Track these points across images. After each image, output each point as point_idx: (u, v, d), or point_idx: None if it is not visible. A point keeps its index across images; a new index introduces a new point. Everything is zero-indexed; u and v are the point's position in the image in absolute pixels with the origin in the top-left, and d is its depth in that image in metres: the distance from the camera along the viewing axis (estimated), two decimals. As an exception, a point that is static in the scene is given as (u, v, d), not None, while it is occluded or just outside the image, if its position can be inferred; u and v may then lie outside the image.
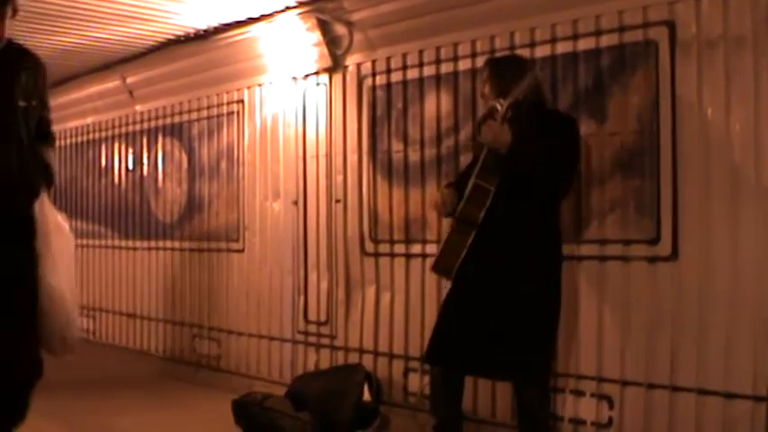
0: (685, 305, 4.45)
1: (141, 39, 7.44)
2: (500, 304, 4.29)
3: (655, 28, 4.60)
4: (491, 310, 4.29)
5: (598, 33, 4.86)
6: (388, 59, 6.09)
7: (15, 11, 3.90)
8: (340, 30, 6.28)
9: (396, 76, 6.06)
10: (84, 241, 9.57)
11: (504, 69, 4.57)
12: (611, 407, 4.77)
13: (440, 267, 4.57)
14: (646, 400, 4.60)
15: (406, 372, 5.89)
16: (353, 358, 6.26)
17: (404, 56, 5.98)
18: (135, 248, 8.81)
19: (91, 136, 9.59)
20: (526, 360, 4.34)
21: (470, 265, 4.36)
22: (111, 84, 8.72)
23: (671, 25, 4.52)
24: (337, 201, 6.43)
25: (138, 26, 6.99)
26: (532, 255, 4.35)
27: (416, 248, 5.88)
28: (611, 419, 4.77)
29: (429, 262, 5.10)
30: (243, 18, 6.77)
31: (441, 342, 4.50)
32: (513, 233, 4.32)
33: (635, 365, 4.66)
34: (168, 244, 8.30)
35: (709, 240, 4.38)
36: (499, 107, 4.35)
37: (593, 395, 4.85)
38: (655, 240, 4.57)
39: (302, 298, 6.73)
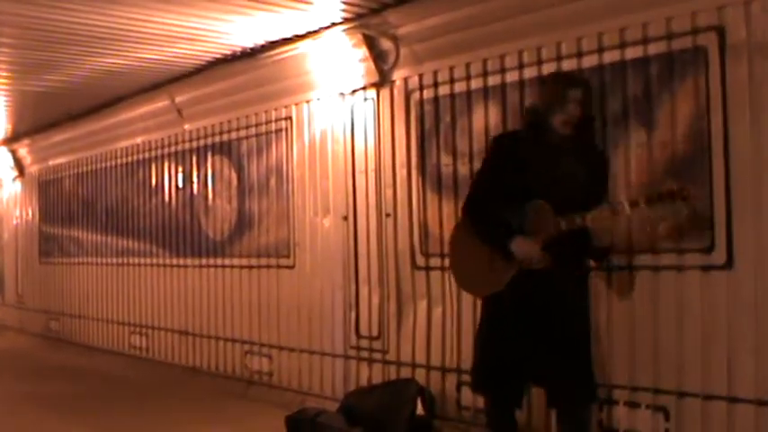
0: (741, 314, 4.38)
1: (189, 58, 7.54)
2: (556, 328, 4.22)
3: (704, 34, 4.54)
4: (549, 333, 4.22)
5: (645, 41, 4.82)
6: (435, 73, 6.09)
7: None
8: (386, 45, 6.30)
9: (443, 90, 6.05)
10: (136, 260, 9.69)
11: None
12: (667, 418, 4.70)
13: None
14: (702, 411, 4.53)
15: (459, 385, 5.85)
16: (406, 372, 6.24)
17: (451, 69, 5.97)
18: (186, 266, 8.88)
19: (141, 156, 9.72)
20: (591, 383, 4.34)
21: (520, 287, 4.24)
22: (160, 103, 8.84)
23: (720, 31, 4.47)
24: (387, 215, 6.43)
25: (185, 46, 7.08)
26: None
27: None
28: (667, 431, 4.72)
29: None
30: (289, 35, 6.83)
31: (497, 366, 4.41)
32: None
33: (691, 376, 4.59)
34: (219, 261, 8.36)
35: (765, 247, 4.31)
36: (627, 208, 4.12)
37: (648, 407, 4.79)
38: (709, 249, 4.51)
39: (353, 313, 6.74)
